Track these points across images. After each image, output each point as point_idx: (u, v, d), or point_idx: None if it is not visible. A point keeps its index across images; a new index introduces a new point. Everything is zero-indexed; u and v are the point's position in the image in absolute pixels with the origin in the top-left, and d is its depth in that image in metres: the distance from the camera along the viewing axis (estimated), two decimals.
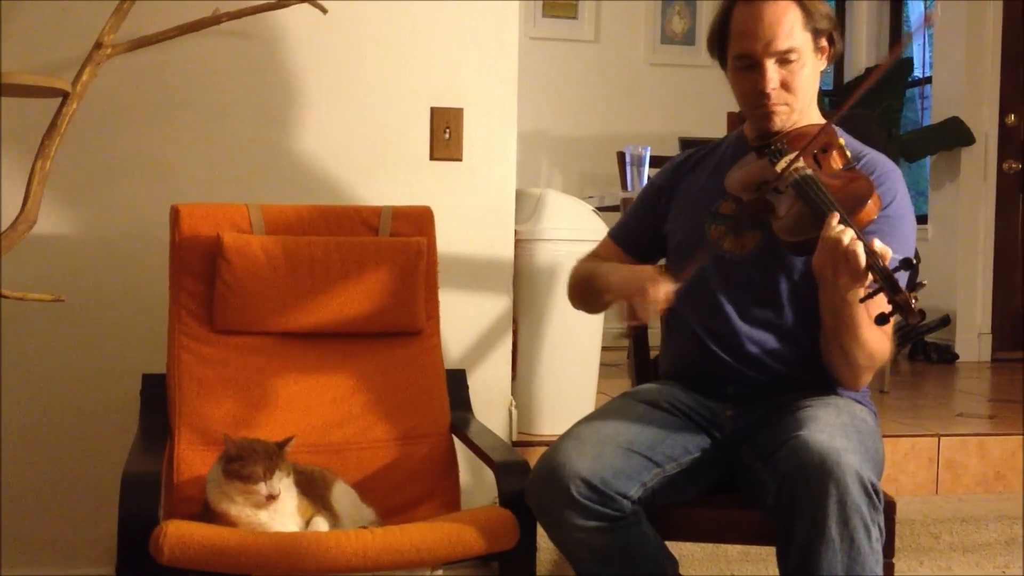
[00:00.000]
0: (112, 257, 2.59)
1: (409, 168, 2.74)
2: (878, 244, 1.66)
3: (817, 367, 1.94)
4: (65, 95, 2.12)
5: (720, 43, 2.01)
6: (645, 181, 3.99)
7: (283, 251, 2.29)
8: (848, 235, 1.67)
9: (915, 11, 6.25)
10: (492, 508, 2.01)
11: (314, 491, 2.01)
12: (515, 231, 2.84)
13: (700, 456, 1.94)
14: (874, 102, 5.31)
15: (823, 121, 2.00)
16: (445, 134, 2.75)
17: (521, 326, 2.90)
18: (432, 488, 2.29)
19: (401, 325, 2.37)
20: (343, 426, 2.27)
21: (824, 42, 1.98)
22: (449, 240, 2.63)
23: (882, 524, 1.70)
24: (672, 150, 4.20)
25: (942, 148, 5.30)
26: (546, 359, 2.91)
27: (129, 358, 2.53)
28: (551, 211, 2.93)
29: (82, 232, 2.59)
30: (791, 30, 1.91)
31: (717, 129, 3.26)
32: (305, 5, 2.39)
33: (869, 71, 5.67)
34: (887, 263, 1.64)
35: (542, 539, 1.96)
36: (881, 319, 1.62)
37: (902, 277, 1.67)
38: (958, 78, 5.29)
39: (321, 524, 1.95)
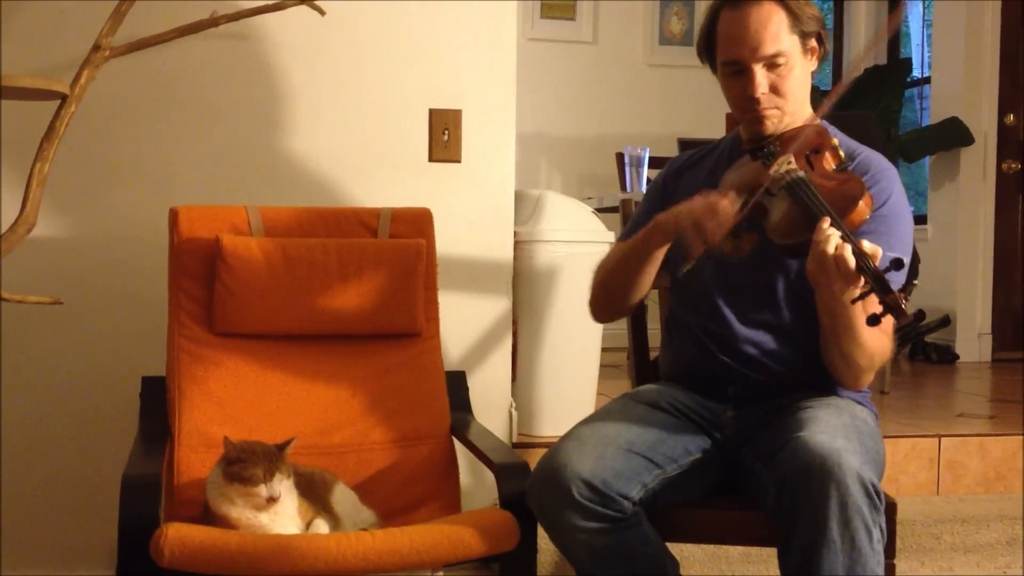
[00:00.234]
0: (111, 259, 2.59)
1: (408, 170, 2.74)
2: (867, 245, 1.66)
3: (817, 368, 1.93)
4: (63, 97, 2.12)
5: (708, 49, 2.01)
6: (644, 182, 4.00)
7: (282, 253, 2.28)
8: (836, 239, 1.67)
9: (914, 11, 6.25)
10: (492, 510, 2.01)
11: (314, 493, 2.01)
12: (514, 232, 2.84)
13: (701, 457, 1.94)
14: (873, 102, 5.31)
15: (817, 122, 2.00)
16: (444, 136, 2.75)
17: (521, 327, 2.90)
18: (432, 490, 2.29)
19: (401, 327, 2.37)
20: (343, 428, 2.27)
21: (813, 43, 1.97)
22: (448, 242, 2.62)
23: (883, 525, 1.70)
24: (671, 151, 4.21)
25: (941, 148, 5.30)
26: (546, 360, 2.90)
27: (128, 360, 2.53)
28: (550, 212, 2.93)
29: (81, 235, 2.59)
30: (777, 34, 1.91)
31: (716, 130, 3.26)
32: (303, 7, 2.39)
33: (868, 71, 5.67)
34: (877, 263, 1.64)
35: (543, 540, 1.96)
36: (872, 320, 1.62)
37: (897, 277, 1.67)
38: (957, 78, 5.29)
39: (321, 526, 1.94)
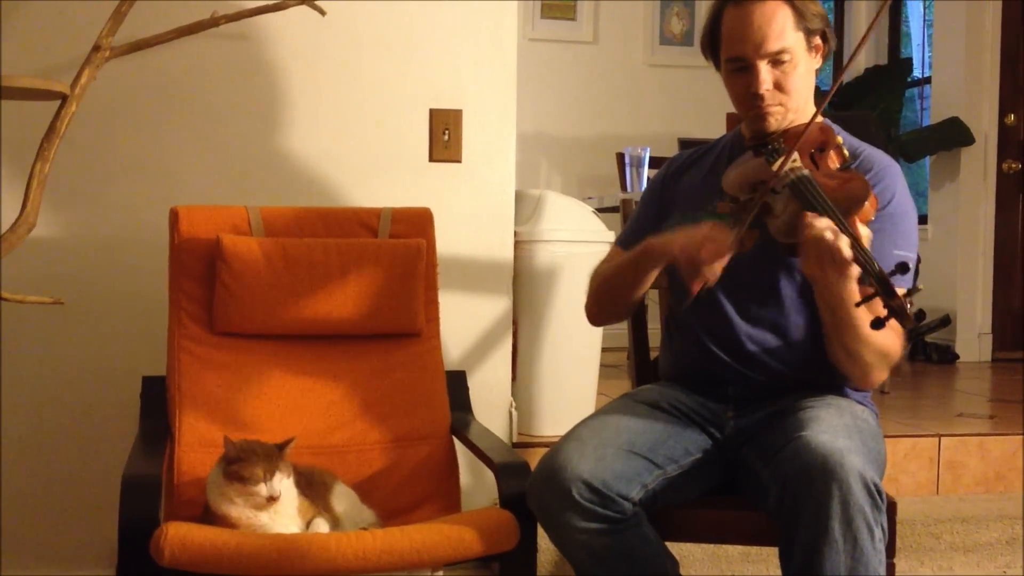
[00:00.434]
0: (111, 259, 2.59)
1: (408, 170, 2.74)
2: (862, 229, 1.66)
3: (819, 368, 1.93)
4: (64, 97, 2.12)
5: (712, 46, 2.01)
6: (644, 182, 4.00)
7: (282, 253, 2.28)
8: (831, 230, 1.67)
9: (914, 11, 6.25)
10: (492, 509, 2.01)
11: (314, 493, 2.01)
12: (515, 232, 2.84)
13: (701, 457, 1.94)
14: (873, 102, 5.31)
15: (820, 120, 2.00)
16: (444, 136, 2.75)
17: (521, 327, 2.90)
18: (432, 489, 2.29)
19: (401, 327, 2.37)
20: (343, 428, 2.27)
21: (818, 40, 1.97)
22: (448, 241, 2.62)
23: (885, 525, 1.70)
24: (671, 151, 4.20)
25: (942, 148, 5.30)
26: (546, 360, 2.91)
27: (129, 360, 2.53)
28: (550, 212, 2.93)
29: (81, 234, 2.59)
30: (782, 31, 1.91)
31: (716, 130, 3.24)
32: (304, 7, 2.39)
33: (869, 71, 5.67)
34: (872, 259, 1.65)
35: (543, 540, 1.96)
36: (876, 323, 1.62)
37: (902, 280, 1.67)
38: (957, 78, 5.29)
39: (322, 526, 1.94)
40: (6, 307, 2.45)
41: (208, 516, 1.91)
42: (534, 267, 2.88)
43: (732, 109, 2.05)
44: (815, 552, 1.66)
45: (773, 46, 1.91)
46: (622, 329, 2.38)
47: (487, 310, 2.80)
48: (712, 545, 2.59)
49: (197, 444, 2.16)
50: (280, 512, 1.90)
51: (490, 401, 2.76)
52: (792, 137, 1.91)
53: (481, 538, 1.87)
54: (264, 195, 2.62)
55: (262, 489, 1.87)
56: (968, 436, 3.06)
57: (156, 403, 2.26)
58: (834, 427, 1.76)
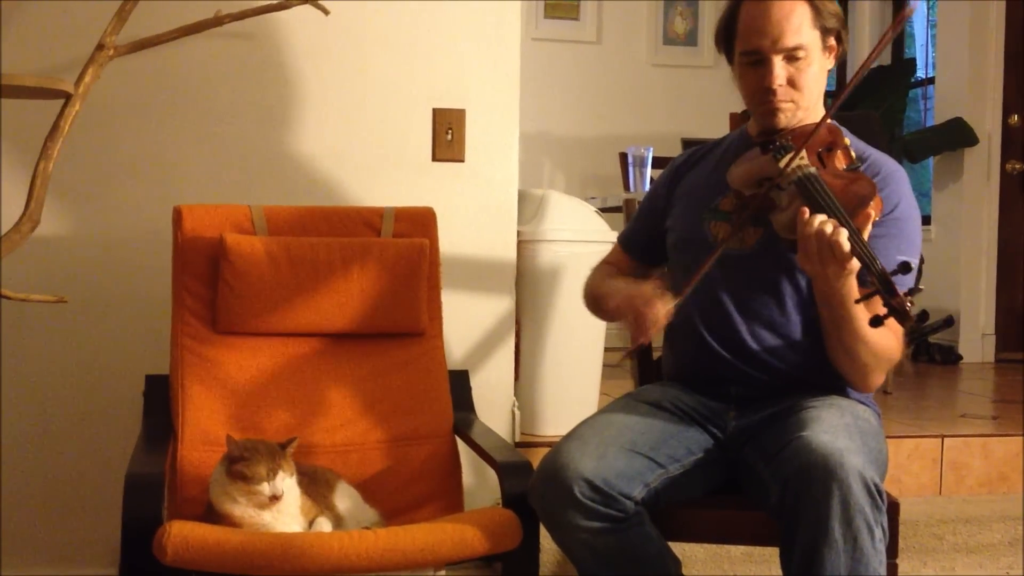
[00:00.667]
0: (115, 258, 2.60)
1: (411, 169, 2.74)
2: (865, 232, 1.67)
3: (820, 367, 1.93)
4: (67, 96, 2.13)
5: (727, 39, 2.01)
6: (648, 182, 4.00)
7: (286, 252, 2.29)
8: (831, 224, 1.67)
9: (918, 11, 6.24)
10: (495, 509, 2.01)
11: (317, 491, 2.01)
12: (517, 232, 2.84)
13: (703, 457, 1.94)
14: (877, 103, 5.30)
15: (828, 121, 2.00)
16: (447, 135, 2.75)
17: (524, 327, 2.90)
18: (435, 489, 2.29)
19: (403, 326, 2.37)
20: (346, 427, 2.27)
21: (832, 41, 1.98)
22: (451, 241, 2.63)
23: (885, 525, 1.70)
24: (674, 151, 4.19)
25: (945, 149, 5.29)
26: (549, 360, 2.91)
27: (132, 359, 2.53)
28: (553, 212, 2.93)
29: (85, 233, 2.59)
30: (799, 27, 1.91)
31: (719, 130, 3.25)
32: (307, 6, 2.39)
33: (872, 71, 5.67)
34: (875, 257, 1.65)
35: (545, 540, 1.96)
36: (875, 321, 1.62)
37: (904, 280, 1.67)
38: (961, 79, 5.28)
39: (324, 525, 1.95)
40: (9, 305, 2.45)
41: (211, 515, 1.91)
42: (537, 267, 2.88)
43: (735, 109, 2.05)
44: (815, 552, 1.66)
45: (790, 41, 1.91)
46: (623, 329, 2.38)
47: (490, 310, 2.80)
48: (714, 545, 2.59)
49: (200, 443, 2.17)
50: (283, 511, 1.90)
51: (493, 400, 2.76)
52: (800, 135, 1.92)
53: (484, 537, 1.87)
54: (267, 194, 2.62)
55: (265, 488, 1.87)
56: (971, 437, 3.06)
57: (159, 401, 2.27)
58: (835, 427, 1.77)
